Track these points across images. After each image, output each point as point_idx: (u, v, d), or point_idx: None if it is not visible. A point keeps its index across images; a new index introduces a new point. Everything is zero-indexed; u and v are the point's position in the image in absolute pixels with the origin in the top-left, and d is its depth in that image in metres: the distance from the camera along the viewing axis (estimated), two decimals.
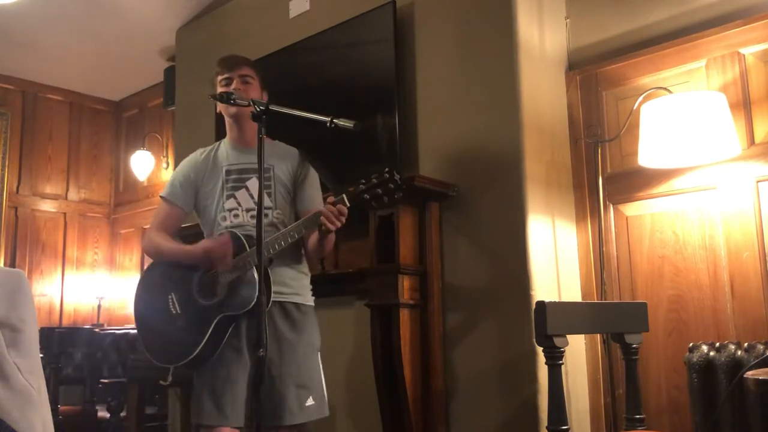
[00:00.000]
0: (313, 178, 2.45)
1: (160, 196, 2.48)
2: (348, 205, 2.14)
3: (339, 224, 2.13)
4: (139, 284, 2.46)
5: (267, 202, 2.35)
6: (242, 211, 2.35)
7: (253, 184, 2.36)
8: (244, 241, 2.25)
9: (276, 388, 2.21)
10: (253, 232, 2.26)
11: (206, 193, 2.41)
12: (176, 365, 2.34)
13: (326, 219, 2.11)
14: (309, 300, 2.40)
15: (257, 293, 2.13)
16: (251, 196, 2.35)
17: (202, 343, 2.21)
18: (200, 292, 2.28)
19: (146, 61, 5.37)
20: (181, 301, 2.30)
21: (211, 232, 2.40)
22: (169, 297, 2.32)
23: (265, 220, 2.32)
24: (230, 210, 2.35)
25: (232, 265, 2.23)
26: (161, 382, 2.76)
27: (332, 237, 2.29)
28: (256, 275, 2.16)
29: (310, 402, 2.25)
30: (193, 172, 2.44)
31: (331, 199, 2.16)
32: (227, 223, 2.35)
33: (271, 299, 2.22)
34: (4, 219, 5.50)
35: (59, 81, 5.84)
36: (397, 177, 2.12)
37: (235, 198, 2.36)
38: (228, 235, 2.27)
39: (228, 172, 2.39)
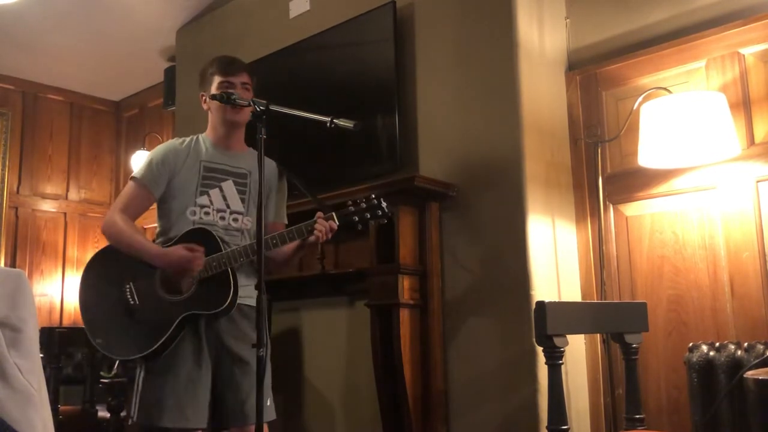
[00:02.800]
0: (284, 192, 2.47)
1: (132, 177, 2.36)
2: (338, 224, 2.20)
3: (327, 238, 2.21)
4: (89, 267, 2.34)
5: (239, 206, 2.35)
6: (213, 210, 2.32)
7: (228, 186, 2.35)
8: (219, 241, 2.24)
9: (243, 387, 2.21)
10: (222, 234, 2.29)
11: (180, 182, 2.34)
12: (127, 358, 2.31)
13: (319, 231, 2.17)
14: None
15: (232, 295, 2.19)
16: (224, 197, 2.34)
17: (163, 339, 2.17)
18: (163, 285, 2.23)
19: (146, 61, 5.36)
20: (141, 292, 2.24)
21: (170, 223, 2.32)
22: (127, 286, 2.26)
23: (234, 224, 2.34)
24: (201, 206, 2.31)
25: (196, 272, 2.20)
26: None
27: (305, 250, 2.33)
28: (231, 277, 2.20)
29: (269, 402, 2.23)
30: (172, 157, 2.36)
31: (320, 214, 2.20)
32: (195, 218, 2.30)
33: (237, 301, 2.23)
34: (5, 219, 5.49)
35: (59, 81, 5.83)
36: (384, 205, 2.19)
37: (209, 196, 2.33)
38: (202, 249, 2.20)
39: (206, 168, 2.35)
